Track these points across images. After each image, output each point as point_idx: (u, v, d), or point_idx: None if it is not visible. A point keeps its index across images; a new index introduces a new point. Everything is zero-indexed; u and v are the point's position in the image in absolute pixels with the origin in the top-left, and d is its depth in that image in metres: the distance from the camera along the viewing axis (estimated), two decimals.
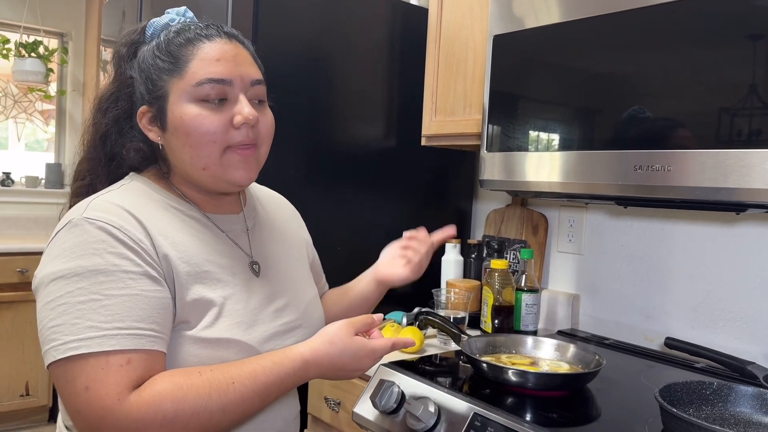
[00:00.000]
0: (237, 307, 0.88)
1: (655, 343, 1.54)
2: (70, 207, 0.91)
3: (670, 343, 1.41)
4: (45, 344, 0.77)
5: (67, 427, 0.90)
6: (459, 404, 1.11)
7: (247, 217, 1.01)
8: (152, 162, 0.95)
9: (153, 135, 0.90)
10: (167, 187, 0.93)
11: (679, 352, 1.41)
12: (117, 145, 0.92)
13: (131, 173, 0.94)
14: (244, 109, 0.87)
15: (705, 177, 1.05)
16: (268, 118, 0.94)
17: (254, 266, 0.96)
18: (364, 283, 1.19)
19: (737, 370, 1.29)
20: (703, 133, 1.06)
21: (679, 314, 1.52)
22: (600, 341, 1.58)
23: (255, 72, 0.92)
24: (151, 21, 0.93)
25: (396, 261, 1.16)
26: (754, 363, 1.28)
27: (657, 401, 0.97)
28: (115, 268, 0.78)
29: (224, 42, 0.89)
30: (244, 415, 0.82)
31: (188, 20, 0.93)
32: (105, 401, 0.74)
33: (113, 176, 0.94)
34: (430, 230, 1.24)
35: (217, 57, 0.87)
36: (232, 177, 0.89)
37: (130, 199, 0.87)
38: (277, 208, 1.12)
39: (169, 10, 0.96)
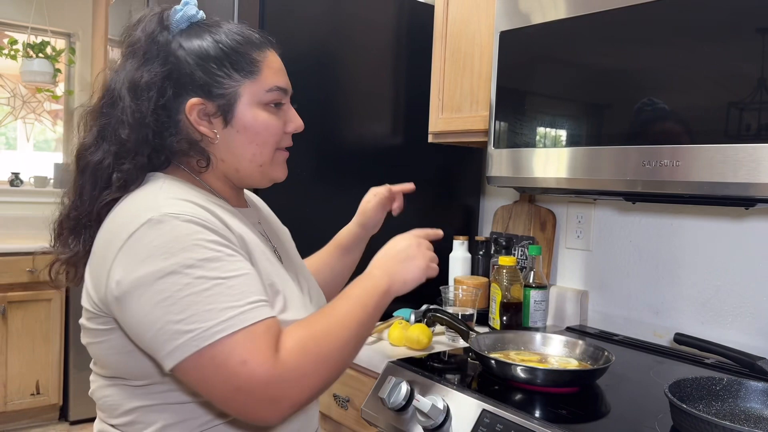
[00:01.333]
0: (294, 291, 0.94)
1: (665, 339, 1.54)
2: (92, 201, 0.88)
3: (680, 338, 1.40)
4: (171, 341, 0.75)
5: (114, 426, 0.88)
6: (468, 401, 1.11)
7: (254, 210, 1.06)
8: (179, 156, 0.91)
9: (205, 129, 0.89)
10: (197, 183, 0.93)
11: (688, 348, 1.41)
12: (155, 134, 0.88)
13: (154, 173, 0.90)
14: (298, 118, 0.98)
15: (714, 172, 1.04)
16: None
17: (276, 253, 1.01)
18: (345, 233, 1.28)
19: (747, 366, 1.28)
20: (711, 128, 1.05)
21: (688, 310, 1.52)
22: (609, 337, 1.58)
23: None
24: (174, 13, 0.90)
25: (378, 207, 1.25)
26: (764, 358, 1.28)
27: (666, 397, 0.97)
28: (221, 254, 0.80)
29: (276, 54, 0.97)
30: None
31: (202, 16, 0.95)
32: (265, 366, 0.76)
33: (144, 168, 0.89)
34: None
35: (279, 67, 0.96)
36: (277, 174, 0.98)
37: (184, 194, 0.85)
38: (261, 203, 1.17)
39: (186, 1, 0.92)
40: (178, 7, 0.92)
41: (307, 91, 1.64)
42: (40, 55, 3.53)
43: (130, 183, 0.88)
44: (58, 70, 3.62)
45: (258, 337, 0.77)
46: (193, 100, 0.88)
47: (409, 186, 1.27)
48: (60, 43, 3.78)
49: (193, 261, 0.77)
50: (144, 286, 0.76)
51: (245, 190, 1.14)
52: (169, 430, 0.85)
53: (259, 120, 0.92)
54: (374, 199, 1.25)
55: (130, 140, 0.87)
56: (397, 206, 1.26)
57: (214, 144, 0.91)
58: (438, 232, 1.10)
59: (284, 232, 1.15)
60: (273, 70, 0.94)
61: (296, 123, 0.98)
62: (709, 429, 0.89)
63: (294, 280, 0.98)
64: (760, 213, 1.40)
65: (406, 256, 0.99)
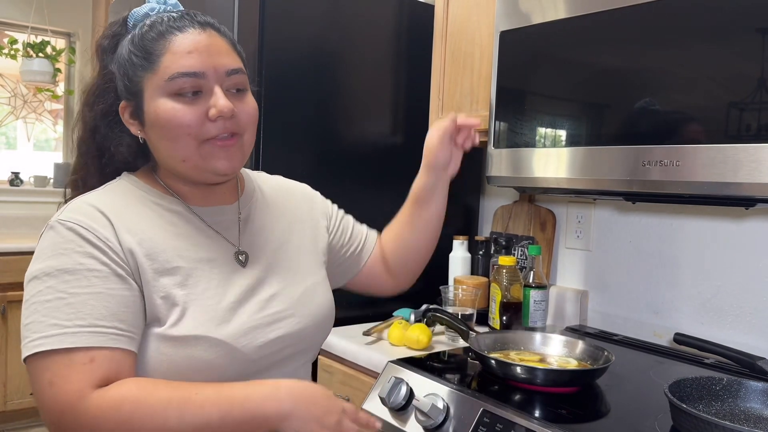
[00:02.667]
0: (209, 303, 0.87)
1: (664, 339, 1.54)
2: (65, 201, 0.93)
3: (679, 338, 1.40)
4: (21, 342, 0.81)
5: None
6: (467, 401, 1.11)
7: (241, 206, 0.99)
8: (144, 157, 0.95)
9: (134, 129, 0.91)
10: (154, 183, 0.94)
11: (688, 348, 1.41)
12: (107, 139, 0.93)
13: (124, 173, 0.95)
14: (219, 101, 0.86)
15: (714, 172, 1.05)
16: (249, 106, 0.91)
17: (240, 256, 0.94)
18: (416, 184, 1.18)
19: (747, 366, 1.28)
20: (711, 128, 1.05)
21: (688, 310, 1.52)
22: (608, 337, 1.58)
23: (231, 61, 0.89)
24: (133, 11, 0.91)
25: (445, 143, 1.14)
26: (764, 358, 1.28)
27: (666, 397, 0.97)
28: (81, 267, 0.81)
29: (197, 32, 0.87)
30: None
31: (169, 8, 0.92)
32: (67, 397, 0.76)
33: (106, 170, 0.95)
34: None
35: (188, 49, 0.86)
36: (214, 167, 0.89)
37: (108, 197, 0.89)
38: (286, 194, 1.09)
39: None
40: (137, 8, 0.91)
41: (308, 91, 1.64)
42: (40, 54, 3.53)
43: (88, 183, 0.94)
44: (58, 70, 3.62)
45: (74, 364, 0.77)
46: (122, 104, 0.91)
47: (474, 121, 1.13)
48: (60, 43, 3.78)
49: (51, 269, 0.80)
50: (25, 285, 0.83)
51: (276, 179, 1.12)
52: None
53: (161, 113, 0.86)
54: (436, 133, 1.13)
55: (85, 144, 0.94)
56: (463, 138, 1.13)
57: (148, 144, 0.92)
58: None
59: (301, 227, 1.06)
60: (179, 54, 0.85)
61: (217, 107, 0.85)
62: (709, 429, 0.89)
63: (238, 286, 0.91)
64: (761, 213, 1.40)
65: (325, 410, 0.84)
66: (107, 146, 0.93)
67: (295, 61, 1.62)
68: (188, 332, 0.84)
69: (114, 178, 0.95)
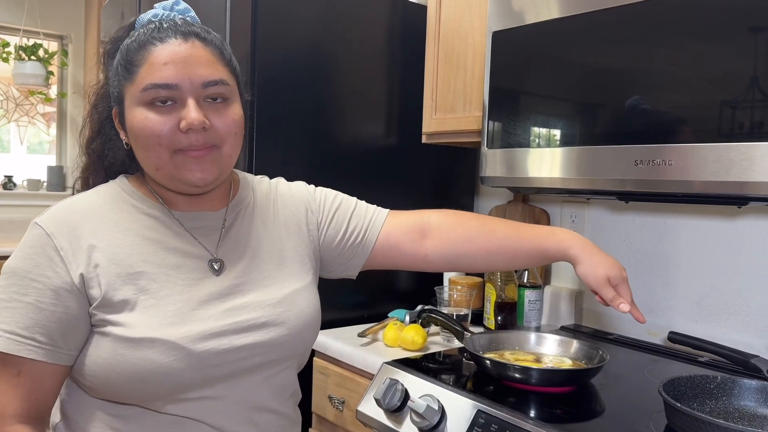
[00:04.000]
0: (169, 308, 0.86)
1: (659, 338, 1.54)
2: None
3: (674, 337, 1.41)
4: None
5: (51, 427, 0.93)
6: (463, 401, 1.11)
7: (228, 213, 0.98)
8: (137, 162, 0.96)
9: (122, 135, 0.94)
10: (142, 186, 0.96)
11: (682, 347, 1.41)
12: (107, 141, 0.97)
13: (120, 175, 0.98)
14: (189, 114, 0.85)
15: (707, 171, 1.05)
16: (228, 118, 0.89)
17: (215, 264, 0.93)
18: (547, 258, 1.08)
19: (741, 364, 1.29)
20: (704, 127, 1.05)
21: (682, 308, 1.52)
22: (603, 336, 1.58)
23: (210, 72, 0.87)
24: (140, 17, 0.92)
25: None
26: (758, 356, 1.28)
27: (661, 396, 0.97)
28: (27, 274, 0.84)
29: (178, 43, 0.86)
30: None
31: (175, 14, 0.92)
32: None
33: (109, 171, 0.99)
34: None
35: (165, 60, 0.85)
36: (187, 178, 0.88)
37: (88, 200, 0.92)
38: (280, 201, 1.06)
39: (157, 4, 0.94)
40: (144, 13, 0.93)
41: (301, 92, 1.64)
42: (33, 57, 3.52)
43: (96, 182, 0.98)
44: (51, 73, 3.60)
45: (5, 366, 0.84)
46: (114, 110, 0.94)
47: (638, 317, 1.04)
48: (52, 46, 3.77)
49: (10, 269, 0.85)
50: None
51: (275, 180, 1.10)
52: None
53: (135, 121, 0.87)
54: (595, 284, 1.04)
55: (91, 145, 0.98)
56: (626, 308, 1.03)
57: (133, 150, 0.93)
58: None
59: (292, 231, 1.04)
60: (155, 66, 0.85)
61: (187, 120, 0.85)
62: (704, 427, 0.89)
63: (205, 293, 0.89)
64: (753, 211, 1.40)
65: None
66: (108, 149, 0.97)
67: (288, 62, 1.62)
68: (143, 334, 0.84)
69: (113, 178, 0.98)
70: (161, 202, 0.94)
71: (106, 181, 0.97)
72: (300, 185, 1.12)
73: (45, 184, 3.73)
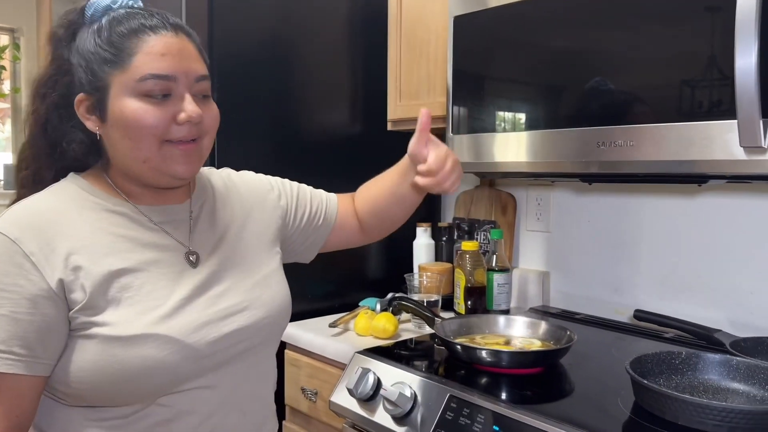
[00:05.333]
0: (155, 303, 0.86)
1: (625, 316, 1.57)
2: (18, 198, 0.91)
3: (639, 315, 1.43)
4: None
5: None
6: (434, 387, 1.11)
7: (193, 205, 0.98)
8: (95, 154, 0.92)
9: (91, 124, 0.88)
10: (101, 183, 0.91)
11: (648, 324, 1.44)
12: (58, 133, 0.90)
13: (70, 174, 0.92)
14: (188, 106, 0.86)
15: (667, 150, 1.06)
16: (212, 112, 0.92)
17: (191, 257, 0.93)
18: (407, 156, 1.13)
19: (705, 338, 1.32)
20: (663, 107, 1.07)
21: (647, 286, 1.55)
22: (571, 316, 1.60)
23: (200, 67, 0.89)
24: (91, 1, 0.88)
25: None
26: (720, 330, 1.31)
27: (628, 374, 0.99)
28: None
29: (170, 35, 0.86)
30: None
31: (131, 2, 0.90)
32: None
33: (60, 164, 0.92)
34: None
35: (162, 52, 0.85)
36: (174, 170, 0.88)
37: (49, 201, 0.87)
38: (236, 188, 1.08)
39: None
40: (91, 1, 0.88)
41: (262, 82, 1.61)
42: None
43: (44, 177, 0.91)
44: (3, 68, 3.49)
45: None
46: (79, 96, 0.87)
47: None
48: (3, 39, 3.64)
49: None
50: None
51: (225, 173, 1.10)
52: None
53: (128, 112, 0.84)
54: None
55: (36, 138, 0.91)
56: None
57: (104, 141, 0.89)
58: None
59: (254, 216, 1.05)
60: (152, 56, 0.84)
61: (187, 112, 0.85)
62: (670, 402, 0.91)
63: (187, 285, 0.89)
64: (713, 189, 1.43)
65: None
66: (59, 141, 0.90)
67: (247, 52, 1.59)
68: (135, 331, 0.82)
69: (64, 175, 0.92)
70: (124, 197, 0.91)
71: (56, 177, 0.92)
72: (250, 174, 1.14)
73: (2, 182, 3.63)
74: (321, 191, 1.21)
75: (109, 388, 0.82)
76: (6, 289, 0.79)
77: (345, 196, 1.23)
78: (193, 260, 0.93)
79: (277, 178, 1.16)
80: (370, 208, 1.20)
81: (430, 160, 1.04)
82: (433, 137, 1.08)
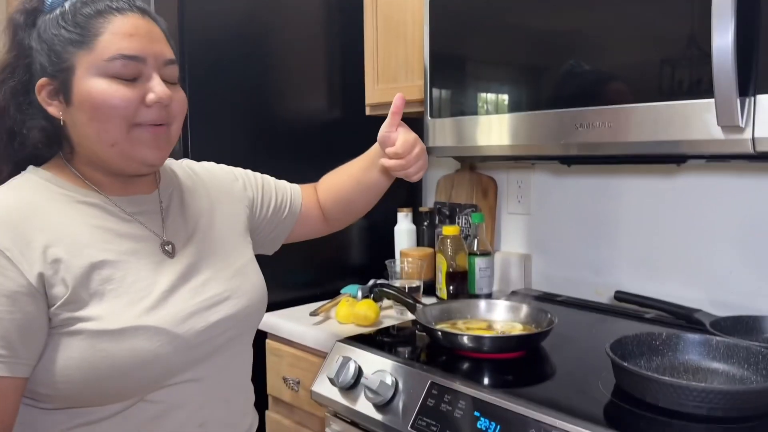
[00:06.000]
0: (140, 294, 0.84)
1: (606, 297, 1.57)
2: None
3: (620, 296, 1.44)
4: None
5: None
6: (416, 374, 1.11)
7: (162, 195, 0.96)
8: (57, 143, 0.89)
9: (53, 110, 0.85)
10: (66, 174, 0.88)
11: (628, 305, 1.44)
12: (17, 122, 0.87)
13: (30, 167, 0.89)
14: (156, 87, 0.84)
15: (645, 131, 1.05)
16: (180, 97, 0.90)
17: (167, 247, 0.91)
18: (375, 146, 1.16)
19: (685, 318, 1.32)
20: (642, 87, 1.06)
21: (627, 267, 1.55)
22: (552, 299, 1.60)
23: (168, 51, 0.88)
24: None
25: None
26: (700, 310, 1.32)
27: (608, 356, 0.99)
28: None
29: (137, 17, 0.85)
30: None
31: None
32: None
33: (18, 156, 0.88)
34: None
35: (130, 32, 0.83)
36: (143, 155, 0.86)
37: (15, 195, 0.83)
38: (201, 178, 1.06)
39: None
40: None
41: (235, 68, 1.58)
42: None
43: (3, 169, 0.88)
44: None
45: None
46: (41, 81, 0.84)
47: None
48: None
49: None
50: None
51: (183, 161, 1.08)
52: None
53: (95, 92, 0.81)
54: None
55: None
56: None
57: (67, 127, 0.86)
58: None
59: (225, 206, 1.04)
60: (119, 35, 0.82)
61: (157, 93, 0.83)
62: (650, 385, 0.91)
63: (168, 275, 0.88)
64: (691, 168, 1.43)
65: None
66: (19, 130, 0.87)
67: (220, 37, 1.55)
68: (124, 324, 0.80)
69: (23, 168, 0.89)
70: (94, 188, 0.88)
71: (16, 169, 0.88)
72: (212, 165, 1.13)
73: None
74: (284, 182, 1.20)
75: (98, 385, 0.80)
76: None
77: (307, 187, 1.23)
78: (169, 250, 0.91)
79: (240, 169, 1.15)
80: (334, 197, 1.20)
81: (398, 143, 1.07)
82: (404, 124, 1.10)
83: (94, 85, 0.82)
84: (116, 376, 0.80)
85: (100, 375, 0.79)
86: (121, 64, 0.82)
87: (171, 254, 0.91)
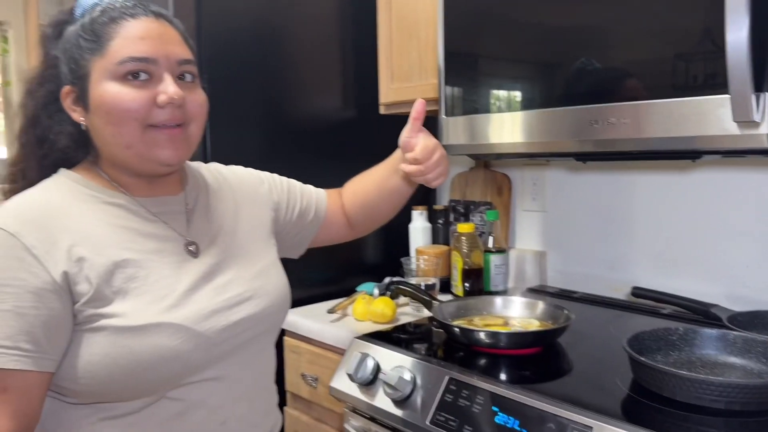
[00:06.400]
0: (163, 291, 0.86)
1: (622, 293, 1.58)
2: (9, 193, 0.90)
3: (636, 292, 1.44)
4: None
5: None
6: (433, 370, 1.12)
7: (187, 196, 0.98)
8: (85, 147, 0.92)
9: (77, 115, 0.89)
10: (94, 176, 0.91)
11: (645, 300, 1.44)
12: (47, 128, 0.90)
13: (61, 169, 0.92)
14: (168, 88, 0.85)
15: (661, 127, 1.06)
16: (198, 97, 0.91)
17: (190, 247, 0.93)
18: (398, 151, 1.15)
19: (701, 314, 1.32)
20: (657, 83, 1.06)
21: (643, 263, 1.55)
22: (568, 295, 1.61)
23: (182, 51, 0.89)
24: (80, 0, 0.89)
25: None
26: (717, 305, 1.32)
27: (625, 351, 0.99)
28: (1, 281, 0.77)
29: (150, 20, 0.87)
30: None
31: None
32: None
33: (46, 162, 0.92)
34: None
35: (141, 35, 0.85)
36: (158, 156, 0.87)
37: (45, 196, 0.86)
38: (228, 181, 1.08)
39: None
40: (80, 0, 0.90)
41: (251, 68, 1.60)
42: None
43: (27, 175, 0.91)
44: None
45: None
46: (65, 89, 0.88)
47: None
48: None
49: None
50: None
51: (217, 167, 1.10)
52: None
53: (107, 96, 0.84)
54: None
55: (25, 135, 0.91)
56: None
57: (90, 131, 0.89)
58: None
59: (250, 209, 1.06)
60: (129, 39, 0.84)
61: (168, 93, 0.85)
62: (667, 379, 0.92)
63: (190, 275, 0.90)
64: (707, 164, 1.43)
65: None
66: (47, 135, 0.90)
67: (237, 38, 1.57)
68: (146, 320, 0.82)
69: (52, 171, 0.92)
70: (121, 189, 0.91)
71: (42, 174, 0.91)
72: (239, 168, 1.14)
73: None
74: (310, 187, 1.22)
75: (120, 381, 0.82)
76: (7, 283, 0.77)
77: (332, 192, 1.24)
78: (193, 250, 0.93)
79: (267, 173, 1.16)
80: (359, 202, 1.22)
81: (418, 149, 1.07)
82: (425, 129, 1.11)
83: (106, 89, 0.84)
84: (138, 372, 0.82)
85: (122, 370, 0.81)
86: (131, 65, 0.84)
87: (195, 254, 0.93)
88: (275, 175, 1.17)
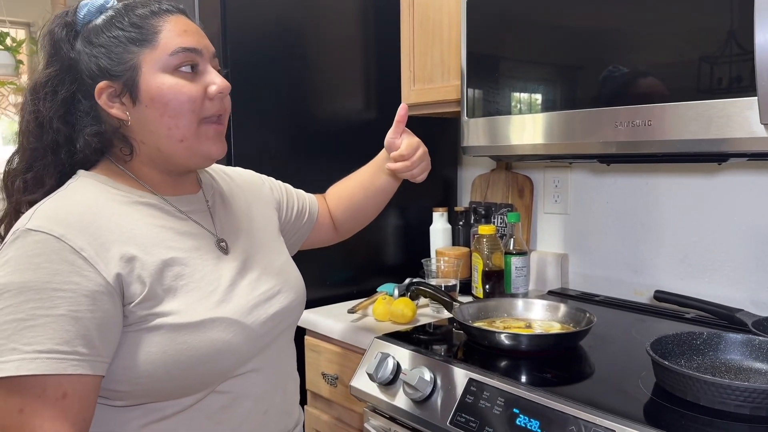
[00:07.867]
0: (209, 288, 0.88)
1: (645, 297, 1.56)
2: (14, 204, 0.89)
3: (659, 295, 1.42)
4: None
5: None
6: (454, 371, 1.12)
7: (206, 195, 1.00)
8: (110, 146, 0.91)
9: (117, 111, 0.87)
10: (118, 176, 0.90)
11: (668, 305, 1.43)
12: (63, 133, 0.88)
13: (80, 171, 0.90)
14: (216, 79, 0.89)
15: (686, 129, 1.05)
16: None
17: (221, 244, 0.95)
18: (383, 152, 1.26)
19: (726, 318, 1.31)
20: (681, 86, 1.05)
21: (666, 266, 1.54)
22: (590, 298, 1.59)
23: (212, 46, 0.94)
24: (84, 2, 0.89)
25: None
26: (742, 310, 1.30)
27: (649, 355, 0.99)
28: (47, 285, 0.75)
29: (183, 17, 0.91)
30: None
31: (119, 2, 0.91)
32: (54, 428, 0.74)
33: (62, 167, 0.90)
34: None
35: (184, 29, 0.89)
36: (208, 150, 0.91)
37: (79, 199, 0.84)
38: (233, 180, 1.10)
39: None
40: (83, 1, 0.89)
41: (276, 69, 1.61)
42: (0, 47, 3.43)
43: (45, 183, 0.89)
44: (20, 62, 3.52)
45: (47, 396, 0.74)
46: (100, 84, 0.86)
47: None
48: (20, 34, 3.67)
49: (15, 286, 0.75)
50: None
51: (217, 165, 1.11)
52: None
53: (165, 87, 0.85)
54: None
55: (38, 141, 0.88)
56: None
57: (131, 126, 0.88)
58: None
59: (259, 209, 1.09)
60: (176, 32, 0.87)
61: (218, 84, 0.89)
62: (691, 383, 0.91)
63: (228, 271, 0.92)
64: (733, 167, 1.41)
65: None
66: (70, 139, 0.88)
67: (261, 40, 1.58)
68: (202, 316, 0.84)
69: (70, 175, 0.90)
70: (149, 188, 0.91)
71: (61, 177, 0.89)
72: (240, 169, 1.18)
73: None
74: (301, 191, 1.27)
75: (179, 377, 0.83)
76: (59, 288, 0.76)
77: (318, 197, 1.30)
78: (224, 247, 0.95)
79: (263, 175, 1.21)
80: (344, 204, 1.28)
81: (403, 146, 1.18)
82: (408, 130, 1.22)
83: (164, 81, 0.86)
84: (196, 367, 0.83)
85: (181, 367, 0.82)
86: (184, 56, 0.87)
87: (225, 251, 0.95)
88: (271, 178, 1.22)
